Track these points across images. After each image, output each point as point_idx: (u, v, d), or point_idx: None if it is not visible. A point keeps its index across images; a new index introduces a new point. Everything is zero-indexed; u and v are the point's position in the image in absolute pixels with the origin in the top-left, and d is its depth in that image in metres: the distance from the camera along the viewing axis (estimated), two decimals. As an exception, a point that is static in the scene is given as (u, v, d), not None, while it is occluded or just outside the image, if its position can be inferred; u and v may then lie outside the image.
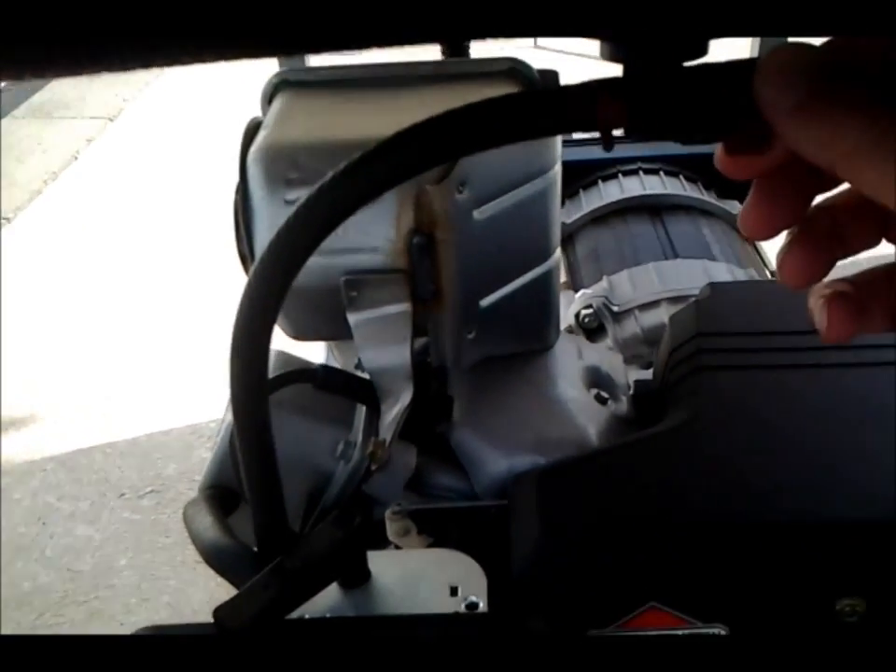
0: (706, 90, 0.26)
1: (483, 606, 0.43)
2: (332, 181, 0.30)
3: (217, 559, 0.46)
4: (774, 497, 0.46)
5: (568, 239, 1.09)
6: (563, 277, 0.99)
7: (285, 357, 0.58)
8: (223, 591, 0.41)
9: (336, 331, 0.55)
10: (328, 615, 0.42)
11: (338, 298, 0.52)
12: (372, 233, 0.51)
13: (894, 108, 0.23)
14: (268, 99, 0.59)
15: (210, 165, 2.45)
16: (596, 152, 1.16)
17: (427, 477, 0.54)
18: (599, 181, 1.14)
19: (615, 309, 0.84)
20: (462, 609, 0.42)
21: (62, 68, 0.21)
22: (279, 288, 0.34)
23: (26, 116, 3.31)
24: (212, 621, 0.38)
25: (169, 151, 2.83)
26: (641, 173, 1.13)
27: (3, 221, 2.53)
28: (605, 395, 0.62)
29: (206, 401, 1.60)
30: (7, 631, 1.35)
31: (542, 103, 0.28)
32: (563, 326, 0.87)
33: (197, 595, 1.39)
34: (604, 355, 0.67)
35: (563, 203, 1.16)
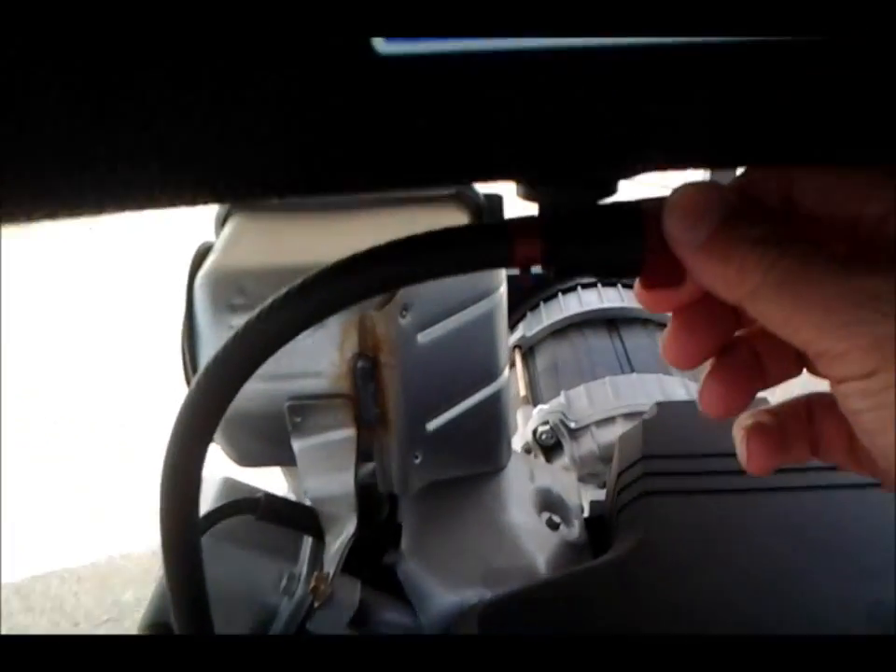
0: (617, 228, 0.27)
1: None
2: (266, 313, 0.30)
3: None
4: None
5: (529, 352, 1.10)
6: (523, 391, 1.00)
7: (231, 483, 0.57)
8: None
9: (282, 457, 0.54)
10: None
11: (283, 424, 0.52)
12: (316, 358, 0.51)
13: (795, 247, 0.23)
14: (221, 222, 0.60)
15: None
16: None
17: (372, 612, 0.52)
18: (559, 294, 1.16)
19: (572, 426, 0.84)
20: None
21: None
22: (212, 416, 0.33)
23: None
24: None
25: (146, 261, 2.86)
26: (600, 286, 1.15)
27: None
28: (556, 519, 0.61)
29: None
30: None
31: (459, 241, 0.28)
32: (521, 442, 0.87)
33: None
34: (557, 476, 0.66)
35: (524, 316, 1.18)
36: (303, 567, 0.52)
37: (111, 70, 0.18)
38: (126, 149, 0.19)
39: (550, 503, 0.63)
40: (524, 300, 1.18)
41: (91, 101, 0.18)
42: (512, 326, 1.17)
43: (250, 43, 0.18)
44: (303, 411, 0.51)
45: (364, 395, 0.52)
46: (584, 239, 0.27)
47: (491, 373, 0.59)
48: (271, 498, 0.52)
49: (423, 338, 0.53)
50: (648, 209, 0.27)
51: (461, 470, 0.60)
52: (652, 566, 0.49)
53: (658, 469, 0.57)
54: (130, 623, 1.53)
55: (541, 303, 1.16)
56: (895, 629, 0.43)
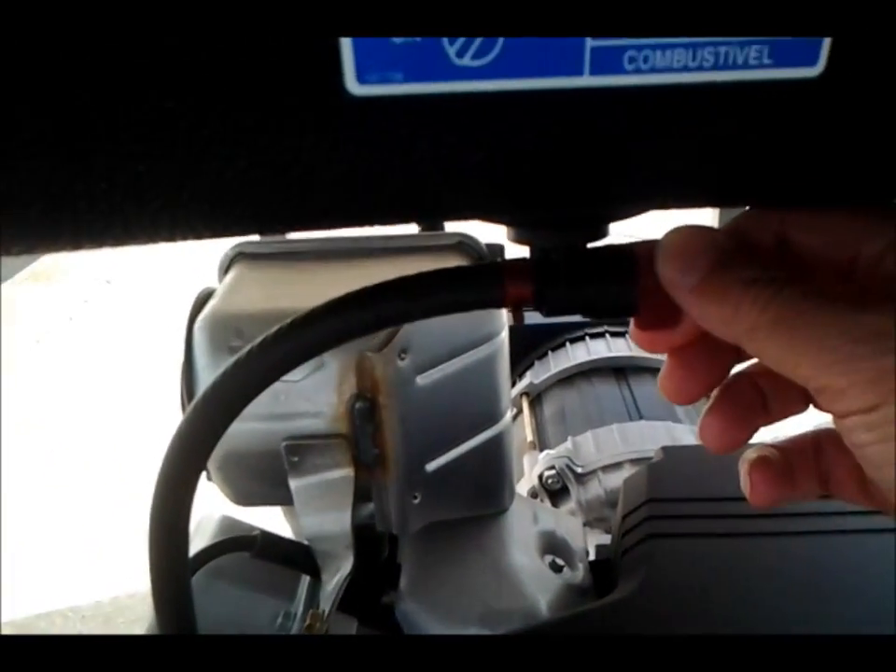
0: (609, 269, 0.28)
1: None
2: (257, 350, 0.31)
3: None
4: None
5: (537, 399, 1.10)
6: (530, 437, 1.00)
7: (230, 522, 0.58)
8: None
9: (280, 497, 0.54)
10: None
11: (281, 463, 0.52)
12: (314, 399, 0.51)
13: (789, 286, 0.24)
14: (224, 270, 0.62)
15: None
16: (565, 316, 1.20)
17: (367, 652, 0.51)
18: (567, 343, 1.16)
19: (579, 470, 0.84)
20: None
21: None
22: (203, 447, 0.34)
23: (27, 279, 3.41)
24: None
25: (158, 312, 2.89)
26: (608, 335, 1.16)
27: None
28: (560, 562, 0.61)
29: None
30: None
31: (452, 281, 0.29)
32: (527, 487, 0.87)
33: None
34: (560, 519, 0.65)
35: (532, 364, 1.19)
36: (299, 606, 0.52)
37: (89, 112, 0.19)
38: (101, 188, 0.20)
39: (553, 546, 0.62)
40: (531, 348, 1.19)
41: (67, 144, 0.19)
42: (520, 374, 1.17)
43: (220, 80, 0.19)
44: (301, 450, 0.52)
45: (362, 435, 0.52)
46: (575, 280, 0.28)
47: (492, 416, 0.59)
48: (267, 536, 0.52)
49: (422, 380, 0.54)
50: (640, 251, 0.27)
51: (461, 512, 0.60)
52: (654, 607, 0.49)
53: (663, 512, 0.57)
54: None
55: (549, 352, 1.17)
56: None
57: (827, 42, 0.19)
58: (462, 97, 0.21)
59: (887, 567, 0.49)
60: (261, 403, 0.52)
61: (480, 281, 0.28)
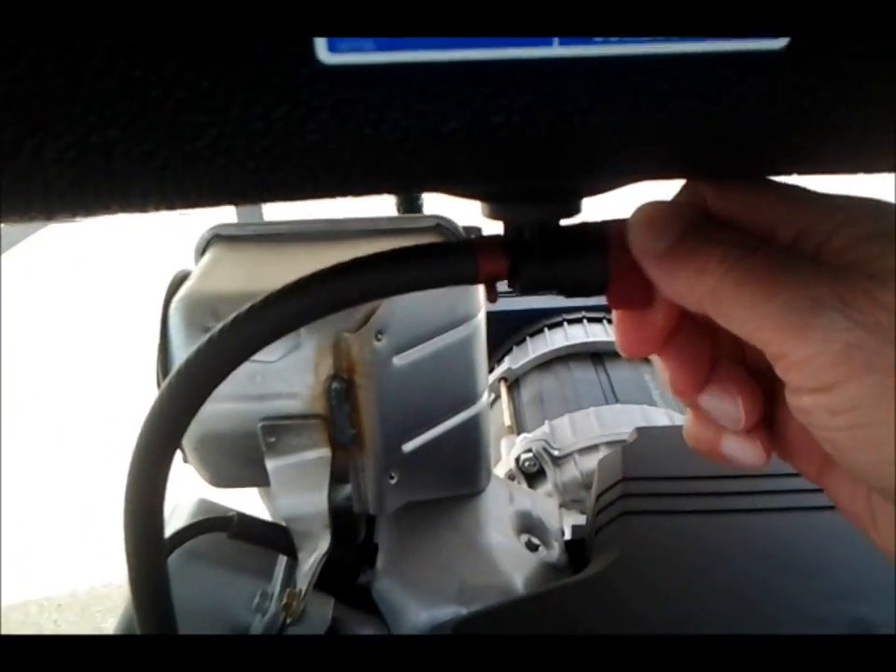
0: (581, 246, 0.28)
1: None
2: (229, 327, 0.31)
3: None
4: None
5: (515, 384, 1.10)
6: (508, 421, 1.00)
7: (206, 504, 0.58)
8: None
9: (257, 478, 0.54)
10: None
11: (257, 444, 0.52)
12: (290, 379, 0.51)
13: (761, 249, 0.24)
14: (200, 252, 0.61)
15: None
16: (546, 301, 1.20)
17: (345, 628, 0.52)
18: (545, 329, 1.17)
19: (555, 453, 0.84)
20: None
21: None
22: (177, 425, 0.34)
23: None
24: None
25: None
26: (585, 321, 1.17)
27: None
28: (536, 541, 0.61)
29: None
30: None
31: (426, 257, 0.29)
32: (504, 469, 0.87)
33: None
34: (536, 499, 0.66)
35: (510, 349, 1.19)
36: (276, 586, 0.52)
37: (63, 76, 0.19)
38: (71, 156, 0.20)
39: (529, 525, 0.63)
40: (510, 334, 1.20)
41: (35, 112, 0.19)
42: (499, 359, 1.18)
43: (192, 50, 0.19)
44: (277, 431, 0.52)
45: (339, 416, 0.52)
46: (548, 256, 0.28)
47: (469, 397, 0.59)
48: (243, 517, 0.52)
49: (399, 361, 0.54)
50: (613, 229, 0.28)
51: (438, 492, 0.60)
52: (628, 583, 0.50)
53: (637, 490, 0.58)
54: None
55: (528, 338, 1.17)
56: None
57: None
58: (433, 67, 0.21)
59: (854, 542, 0.50)
60: (238, 384, 0.52)
61: (454, 256, 0.29)
